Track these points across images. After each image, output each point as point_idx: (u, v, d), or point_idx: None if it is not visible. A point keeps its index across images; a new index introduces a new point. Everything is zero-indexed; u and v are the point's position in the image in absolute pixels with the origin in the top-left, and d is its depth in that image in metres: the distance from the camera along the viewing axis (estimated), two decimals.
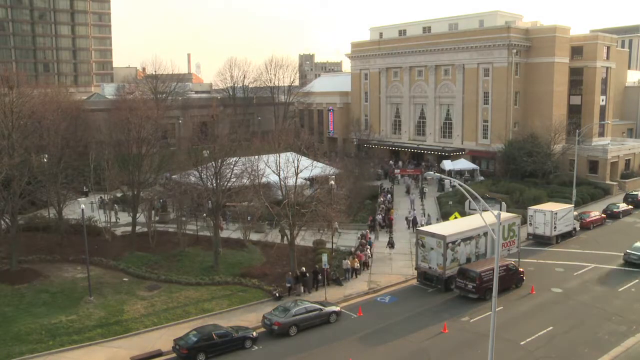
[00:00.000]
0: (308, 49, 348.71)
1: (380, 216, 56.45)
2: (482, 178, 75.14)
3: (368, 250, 45.86)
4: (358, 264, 42.83)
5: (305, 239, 44.95)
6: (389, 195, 66.94)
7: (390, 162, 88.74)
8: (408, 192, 69.61)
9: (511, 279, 39.00)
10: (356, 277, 42.44)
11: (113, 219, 54.92)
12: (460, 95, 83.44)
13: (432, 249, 39.76)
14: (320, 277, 39.90)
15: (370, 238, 49.05)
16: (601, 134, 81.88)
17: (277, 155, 46.21)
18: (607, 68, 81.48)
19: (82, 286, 38.94)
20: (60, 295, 38.28)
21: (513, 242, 43.90)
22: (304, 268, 40.59)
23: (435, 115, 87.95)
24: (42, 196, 50.46)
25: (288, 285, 39.07)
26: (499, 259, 25.95)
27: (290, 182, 43.48)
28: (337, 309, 35.28)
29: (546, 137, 69.61)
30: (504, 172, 73.45)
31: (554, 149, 70.08)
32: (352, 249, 46.96)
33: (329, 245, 47.04)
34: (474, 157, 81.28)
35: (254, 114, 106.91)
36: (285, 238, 45.62)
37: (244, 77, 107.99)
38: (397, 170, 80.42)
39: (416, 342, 31.59)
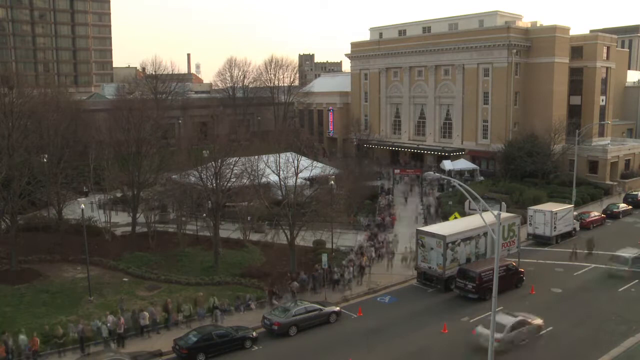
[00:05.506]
0: (308, 49, 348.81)
1: (379, 218, 56.40)
2: (482, 178, 75.16)
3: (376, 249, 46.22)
4: (367, 261, 42.98)
5: (305, 239, 44.93)
6: (390, 196, 66.90)
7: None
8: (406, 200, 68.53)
9: (511, 279, 38.98)
10: (365, 274, 42.49)
11: (114, 219, 54.84)
12: (460, 95, 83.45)
13: (432, 249, 39.75)
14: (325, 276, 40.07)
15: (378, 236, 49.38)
16: (601, 134, 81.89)
17: (277, 155, 46.19)
18: (607, 68, 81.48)
19: (82, 286, 38.93)
20: (60, 295, 38.28)
21: (513, 242, 43.89)
22: (317, 265, 40.70)
23: (435, 115, 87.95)
24: (42, 196, 50.45)
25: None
26: (498, 259, 25.95)
27: (290, 182, 43.46)
28: (336, 309, 35.27)
29: (546, 137, 69.59)
30: (503, 172, 73.43)
31: (554, 149, 70.06)
32: (362, 245, 47.05)
33: (329, 245, 47.05)
34: (473, 157, 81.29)
35: (254, 114, 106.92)
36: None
37: (244, 77, 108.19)
38: (397, 170, 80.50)
39: (416, 342, 31.59)
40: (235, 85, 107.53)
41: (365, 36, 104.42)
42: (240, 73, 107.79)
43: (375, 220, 55.57)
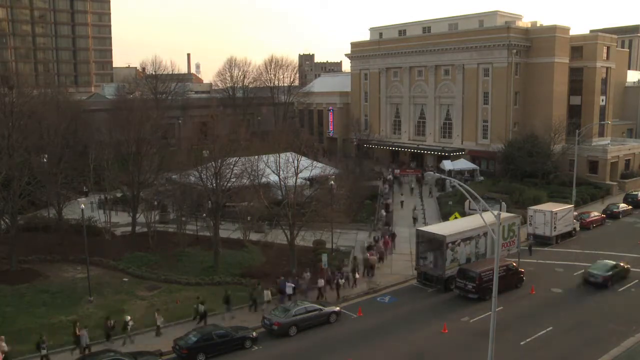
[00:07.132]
0: (308, 49, 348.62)
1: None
2: (482, 178, 75.14)
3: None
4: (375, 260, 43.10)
5: (305, 239, 44.91)
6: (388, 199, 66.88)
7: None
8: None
9: (511, 279, 38.98)
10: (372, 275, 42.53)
11: (114, 219, 54.77)
12: (460, 95, 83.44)
13: None
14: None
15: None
16: (601, 134, 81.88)
17: (277, 155, 46.18)
18: (607, 68, 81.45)
19: (82, 286, 38.92)
20: (60, 295, 38.27)
21: (513, 242, 43.88)
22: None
23: (435, 115, 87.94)
24: (42, 196, 50.44)
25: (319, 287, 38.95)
26: (498, 259, 25.95)
27: (290, 182, 43.45)
28: (336, 309, 35.26)
29: (546, 137, 69.61)
30: (504, 172, 73.45)
31: (554, 149, 70.08)
32: (369, 243, 47.06)
33: (328, 245, 47.04)
34: (473, 157, 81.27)
35: (254, 114, 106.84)
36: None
37: (244, 77, 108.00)
38: (397, 170, 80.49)
39: (416, 342, 31.60)
40: (235, 85, 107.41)
41: (365, 36, 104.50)
42: (240, 73, 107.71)
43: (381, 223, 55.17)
